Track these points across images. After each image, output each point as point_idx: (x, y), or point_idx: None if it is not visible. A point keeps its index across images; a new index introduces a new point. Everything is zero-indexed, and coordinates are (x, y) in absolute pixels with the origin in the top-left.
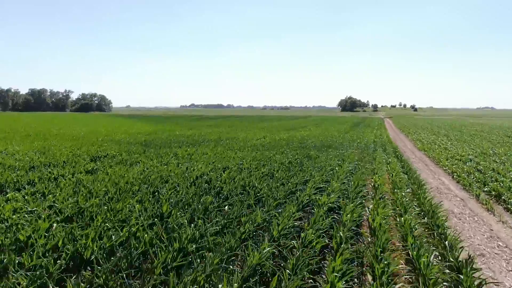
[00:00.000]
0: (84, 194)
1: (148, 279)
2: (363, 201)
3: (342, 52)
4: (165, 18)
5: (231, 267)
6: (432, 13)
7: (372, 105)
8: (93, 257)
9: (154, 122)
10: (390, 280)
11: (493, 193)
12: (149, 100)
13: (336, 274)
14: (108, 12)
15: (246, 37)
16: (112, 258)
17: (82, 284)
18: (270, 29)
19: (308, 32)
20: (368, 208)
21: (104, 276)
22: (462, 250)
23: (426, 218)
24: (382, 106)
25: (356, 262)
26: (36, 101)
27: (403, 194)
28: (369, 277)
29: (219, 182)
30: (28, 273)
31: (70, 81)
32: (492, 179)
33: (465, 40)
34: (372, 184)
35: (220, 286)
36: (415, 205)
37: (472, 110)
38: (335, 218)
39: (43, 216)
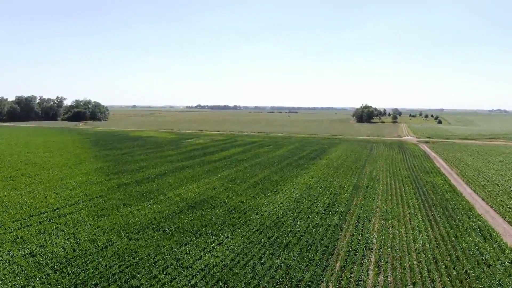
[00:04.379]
0: None
1: None
2: None
3: (348, 51)
4: (171, 18)
5: None
6: (438, 12)
7: (389, 113)
8: None
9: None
10: None
11: None
12: (155, 99)
13: None
14: (113, 12)
15: (252, 38)
16: None
17: None
18: (276, 29)
19: (315, 31)
20: None
21: None
22: None
23: None
24: (399, 113)
25: None
26: (23, 110)
27: None
28: None
29: None
30: None
31: (71, 83)
32: None
33: (475, 40)
34: None
35: None
36: None
37: (485, 113)
38: None
39: None
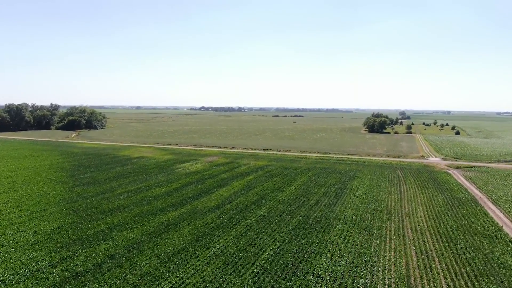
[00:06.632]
0: None
1: None
2: None
3: (353, 52)
4: (176, 19)
5: None
6: (444, 14)
7: (400, 122)
8: None
9: None
10: None
11: None
12: (160, 101)
13: None
14: (116, 13)
15: (257, 39)
16: None
17: None
18: (281, 30)
19: (319, 32)
20: None
21: None
22: None
23: None
24: (408, 118)
25: None
26: (14, 119)
27: None
28: None
29: None
30: None
31: (73, 86)
32: None
33: (482, 42)
34: None
35: None
36: None
37: (493, 115)
38: None
39: None
